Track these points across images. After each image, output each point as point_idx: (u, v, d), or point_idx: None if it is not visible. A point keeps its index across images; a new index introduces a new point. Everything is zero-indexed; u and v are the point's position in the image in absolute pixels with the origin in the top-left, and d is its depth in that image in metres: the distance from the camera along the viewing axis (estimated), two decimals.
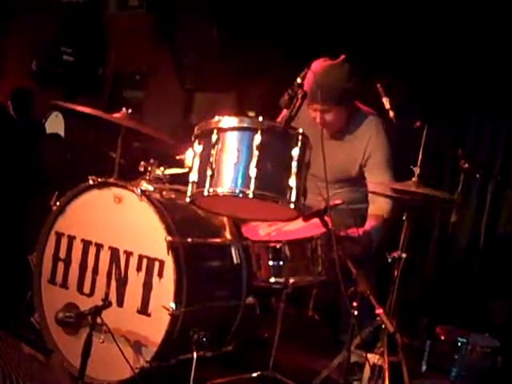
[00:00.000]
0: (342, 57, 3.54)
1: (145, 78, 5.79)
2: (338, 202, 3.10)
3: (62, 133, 5.21)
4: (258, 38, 5.09)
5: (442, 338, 3.93)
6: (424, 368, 3.76)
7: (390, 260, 3.15)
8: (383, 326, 3.03)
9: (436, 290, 4.30)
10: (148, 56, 5.72)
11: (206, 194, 2.68)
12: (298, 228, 3.15)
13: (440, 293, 4.19)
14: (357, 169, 3.62)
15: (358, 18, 4.62)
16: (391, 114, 3.47)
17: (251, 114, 4.93)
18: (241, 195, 2.65)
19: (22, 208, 3.91)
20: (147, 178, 3.13)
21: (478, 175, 3.64)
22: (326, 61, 3.55)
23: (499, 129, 4.56)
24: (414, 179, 3.12)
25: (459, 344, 3.88)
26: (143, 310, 2.83)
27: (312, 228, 3.10)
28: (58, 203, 3.08)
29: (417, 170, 3.12)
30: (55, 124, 5.21)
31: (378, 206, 3.55)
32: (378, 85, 3.49)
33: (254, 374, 3.14)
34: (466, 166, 3.57)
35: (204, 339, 2.77)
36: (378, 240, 3.48)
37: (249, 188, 2.62)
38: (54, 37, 5.41)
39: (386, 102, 3.46)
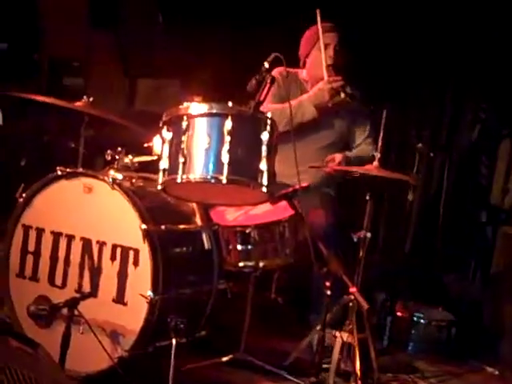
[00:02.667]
0: None
1: (84, 65, 5.69)
2: (304, 184, 3.16)
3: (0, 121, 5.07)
4: (201, 23, 5.09)
5: (399, 314, 4.07)
6: (385, 343, 3.88)
7: (355, 240, 3.24)
8: (351, 305, 3.12)
9: (393, 266, 4.42)
10: (85, 42, 5.62)
11: (179, 181, 2.69)
12: (265, 211, 3.19)
13: (397, 269, 4.32)
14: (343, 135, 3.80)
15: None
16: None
17: (197, 99, 4.92)
18: (213, 181, 2.67)
19: None
20: (115, 166, 3.10)
21: (431, 153, 3.78)
22: None
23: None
24: (375, 163, 3.22)
25: (415, 319, 4.03)
26: (119, 299, 2.82)
27: (279, 211, 3.15)
28: (24, 195, 3.02)
29: (377, 155, 3.21)
30: None
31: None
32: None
33: (226, 358, 3.18)
34: (420, 145, 3.70)
35: (181, 325, 2.78)
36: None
37: (222, 173, 2.64)
38: None
39: (347, 89, 3.58)
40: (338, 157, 3.61)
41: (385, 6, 4.60)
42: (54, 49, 5.60)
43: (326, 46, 3.67)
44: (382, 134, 3.20)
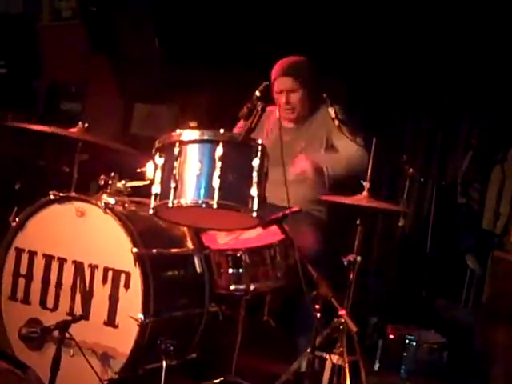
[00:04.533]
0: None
1: (81, 90, 5.76)
2: (295, 209, 3.20)
3: None
4: (198, 48, 5.17)
5: (391, 336, 4.09)
6: (377, 366, 3.90)
7: (345, 263, 3.28)
8: (341, 327, 3.15)
9: (384, 290, 4.46)
10: (83, 67, 5.69)
11: (170, 205, 2.73)
12: (256, 235, 3.23)
13: (388, 292, 4.35)
14: (326, 144, 3.75)
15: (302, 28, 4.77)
16: (336, 122, 3.61)
17: (193, 124, 4.97)
18: (204, 206, 2.71)
19: None
20: (108, 191, 3.14)
21: (421, 179, 3.82)
22: None
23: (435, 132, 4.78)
24: (364, 193, 3.26)
25: (407, 341, 4.05)
26: (110, 321, 2.86)
27: (269, 235, 3.19)
28: (17, 219, 3.06)
29: (367, 185, 3.25)
30: None
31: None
32: (324, 94, 3.62)
33: (217, 380, 3.19)
34: (411, 171, 3.74)
35: (171, 348, 2.81)
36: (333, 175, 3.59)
37: (212, 198, 2.69)
38: None
39: (331, 111, 3.60)
40: (306, 165, 3.53)
41: (374, 33, 4.68)
42: (52, 74, 5.68)
43: (279, 92, 3.70)
44: (371, 163, 3.25)
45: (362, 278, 3.40)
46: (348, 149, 3.66)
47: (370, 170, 3.22)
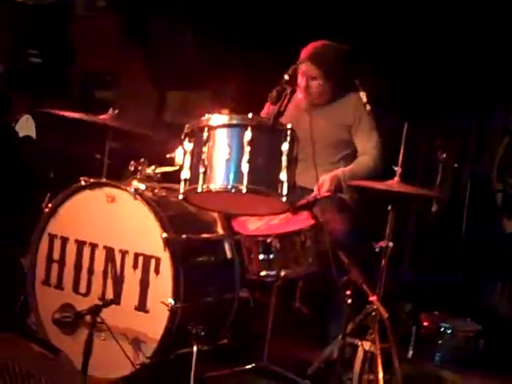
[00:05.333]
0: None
1: (115, 78, 5.80)
2: (326, 193, 3.18)
3: (33, 135, 5.20)
4: (229, 36, 5.15)
5: (426, 324, 4.04)
6: (410, 353, 3.86)
7: (377, 249, 3.24)
8: (373, 314, 3.11)
9: (419, 277, 4.41)
10: (117, 56, 5.72)
11: (199, 190, 2.74)
12: (286, 221, 3.22)
13: (423, 280, 4.30)
14: (347, 130, 3.68)
15: (331, 13, 4.71)
16: (368, 107, 3.56)
17: (225, 111, 4.99)
18: (233, 190, 2.71)
19: (13, 211, 3.91)
20: (138, 176, 3.16)
21: (456, 165, 3.75)
22: None
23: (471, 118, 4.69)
24: (396, 179, 3.21)
25: (442, 329, 4.00)
26: (141, 307, 2.87)
27: (300, 220, 3.17)
28: (49, 205, 3.09)
29: (398, 170, 3.20)
30: (26, 127, 5.20)
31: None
32: (356, 80, 3.58)
33: (249, 366, 3.20)
34: (444, 156, 3.67)
35: (202, 333, 2.82)
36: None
37: (242, 183, 2.69)
38: (21, 39, 5.39)
39: (362, 95, 3.55)
40: (327, 182, 3.44)
41: (408, 15, 4.60)
42: (87, 63, 5.72)
43: (302, 75, 3.59)
44: (402, 148, 3.20)
45: (396, 265, 3.36)
46: (365, 147, 3.64)
47: (401, 155, 3.17)
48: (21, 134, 5.11)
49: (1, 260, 3.55)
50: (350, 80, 3.63)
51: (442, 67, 4.64)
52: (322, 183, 3.43)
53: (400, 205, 3.27)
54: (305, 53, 3.60)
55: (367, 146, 3.64)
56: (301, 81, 3.60)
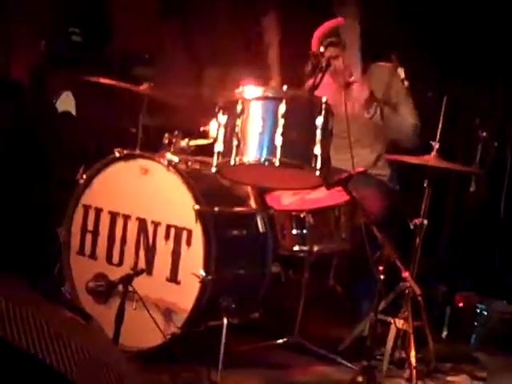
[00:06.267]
0: None
1: (153, 55, 5.81)
2: (360, 169, 3.14)
3: (73, 111, 5.26)
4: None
5: (461, 305, 3.98)
6: (445, 334, 3.81)
7: (412, 227, 3.20)
8: (406, 292, 3.08)
9: (455, 257, 4.34)
10: (155, 33, 5.73)
11: (232, 163, 2.72)
12: (321, 196, 3.19)
13: (459, 260, 4.23)
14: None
15: None
16: (406, 83, 3.50)
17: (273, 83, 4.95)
18: (267, 163, 2.69)
19: (46, 182, 3.96)
20: (171, 149, 3.16)
21: (495, 143, 3.67)
22: None
23: None
24: (433, 154, 3.15)
25: (478, 311, 3.94)
26: (173, 278, 2.89)
27: (334, 196, 3.14)
28: (84, 176, 3.12)
29: (436, 145, 3.14)
30: (66, 103, 5.26)
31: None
32: (393, 56, 3.52)
33: (280, 341, 3.20)
34: (484, 134, 3.60)
35: (233, 306, 2.82)
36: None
37: (275, 156, 2.66)
38: (62, 17, 5.43)
39: (400, 71, 3.49)
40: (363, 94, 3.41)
41: None
42: (125, 41, 5.74)
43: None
44: (441, 122, 3.14)
45: (432, 244, 3.30)
46: (407, 118, 3.56)
47: (439, 130, 3.11)
48: (60, 110, 5.18)
49: (37, 230, 3.61)
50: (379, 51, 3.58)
51: (484, 42, 4.52)
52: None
53: (437, 181, 3.22)
54: (316, 40, 3.50)
55: (409, 119, 3.57)
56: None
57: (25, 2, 5.09)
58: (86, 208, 3.13)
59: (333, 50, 3.51)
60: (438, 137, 3.13)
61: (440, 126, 3.13)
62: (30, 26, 5.15)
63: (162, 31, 5.70)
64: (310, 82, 2.85)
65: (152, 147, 3.40)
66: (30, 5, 5.10)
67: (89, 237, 3.12)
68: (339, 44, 3.49)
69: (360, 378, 2.70)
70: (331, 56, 3.49)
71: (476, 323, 3.93)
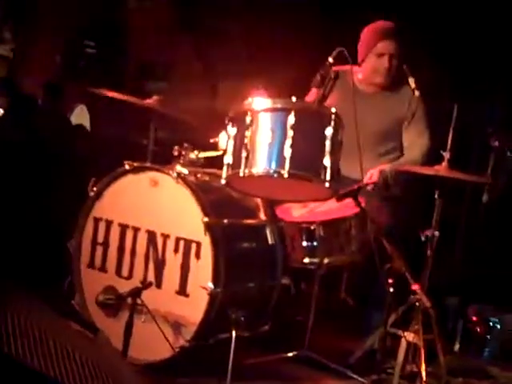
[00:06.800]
0: None
1: (167, 70, 5.84)
2: (371, 181, 3.13)
3: (87, 125, 5.29)
4: (281, 28, 5.12)
5: (474, 318, 3.94)
6: (457, 347, 3.77)
7: (423, 238, 3.17)
8: (417, 304, 3.05)
9: (466, 269, 4.29)
10: (169, 47, 5.76)
11: (241, 174, 2.72)
12: (331, 208, 3.18)
13: (470, 273, 4.19)
14: (399, 122, 3.62)
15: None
16: (417, 93, 3.49)
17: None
18: (276, 175, 2.68)
19: (58, 196, 3.98)
20: (181, 161, 3.16)
21: (509, 153, 3.64)
22: None
23: None
24: (444, 164, 3.13)
25: (491, 324, 3.89)
26: (182, 290, 2.88)
27: (345, 208, 3.12)
28: (95, 189, 3.13)
29: (446, 155, 3.12)
30: (80, 116, 5.30)
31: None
32: (405, 65, 3.51)
33: (290, 354, 3.18)
34: (496, 143, 3.57)
35: (242, 319, 2.81)
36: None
37: (283, 168, 2.65)
38: (77, 30, 5.47)
39: (411, 81, 3.48)
40: (375, 176, 3.38)
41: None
42: (139, 54, 5.78)
43: (381, 55, 3.55)
44: (451, 132, 3.12)
45: (446, 256, 3.27)
46: (415, 142, 3.57)
47: (450, 140, 3.09)
48: (74, 123, 5.22)
49: (48, 243, 3.62)
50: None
51: (497, 50, 4.50)
52: (371, 177, 3.39)
53: (450, 192, 3.20)
54: (384, 30, 3.54)
55: (417, 142, 3.58)
56: (378, 61, 3.54)
57: (40, 17, 5.15)
58: (97, 220, 3.13)
59: (396, 47, 3.53)
60: (448, 146, 3.11)
61: (450, 135, 3.10)
62: (46, 40, 5.21)
63: (176, 44, 5.73)
64: (319, 92, 2.84)
65: (165, 160, 3.42)
66: (46, 20, 5.16)
67: (99, 249, 3.12)
68: (401, 45, 3.53)
69: None
70: (392, 53, 3.52)
71: (489, 336, 3.89)
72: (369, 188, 3.33)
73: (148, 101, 3.33)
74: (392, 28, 3.57)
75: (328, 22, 4.81)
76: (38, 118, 4.88)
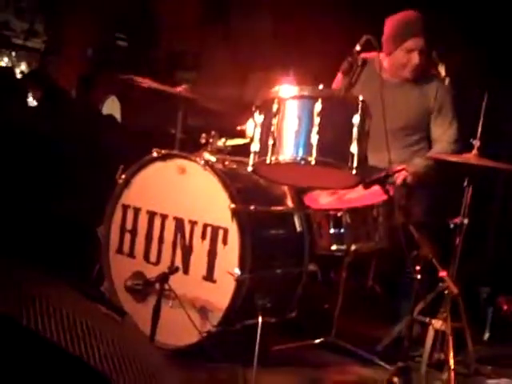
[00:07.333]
0: None
1: (197, 59, 5.86)
2: (398, 168, 3.11)
3: (118, 115, 5.34)
4: (309, 20, 5.10)
5: (504, 307, 3.91)
6: (487, 336, 3.74)
7: (451, 226, 3.15)
8: (446, 292, 3.04)
9: (498, 259, 4.25)
10: (199, 37, 5.77)
11: (268, 162, 2.71)
12: (359, 196, 3.17)
13: (502, 262, 4.14)
14: (426, 114, 3.58)
15: None
16: (447, 80, 3.45)
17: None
18: (303, 162, 2.67)
19: (89, 185, 4.03)
20: (209, 149, 3.18)
21: None
22: None
23: None
24: (473, 152, 3.10)
25: None
26: (209, 276, 2.90)
27: (373, 195, 3.11)
28: (123, 176, 3.16)
29: (476, 143, 3.09)
30: (112, 107, 5.35)
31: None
32: (434, 52, 3.47)
33: (317, 341, 3.19)
34: None
35: (268, 305, 2.82)
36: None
37: (311, 155, 2.64)
38: (108, 24, 5.52)
39: (441, 69, 3.44)
40: (409, 178, 3.41)
41: None
42: (170, 44, 5.81)
43: (411, 51, 3.49)
44: (481, 120, 3.08)
45: (477, 245, 3.24)
46: (444, 135, 3.54)
47: (480, 128, 3.06)
48: (105, 113, 5.28)
49: (78, 231, 3.68)
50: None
51: None
52: (400, 176, 3.38)
53: (481, 180, 3.17)
54: (415, 25, 3.47)
55: (446, 134, 3.55)
56: (408, 56, 3.49)
57: (72, 10, 5.20)
58: (125, 208, 3.17)
59: (425, 43, 3.45)
60: (478, 135, 3.07)
61: (480, 123, 3.06)
62: (77, 33, 5.26)
63: (206, 35, 5.74)
64: (346, 79, 2.83)
65: (193, 148, 3.45)
66: (77, 13, 5.22)
67: (127, 236, 3.16)
68: (429, 40, 3.46)
69: (395, 379, 2.68)
70: (422, 50, 3.45)
71: None
72: (398, 182, 3.34)
73: (178, 88, 3.34)
74: (421, 22, 3.48)
75: (356, 9, 4.78)
76: (71, 110, 4.95)
